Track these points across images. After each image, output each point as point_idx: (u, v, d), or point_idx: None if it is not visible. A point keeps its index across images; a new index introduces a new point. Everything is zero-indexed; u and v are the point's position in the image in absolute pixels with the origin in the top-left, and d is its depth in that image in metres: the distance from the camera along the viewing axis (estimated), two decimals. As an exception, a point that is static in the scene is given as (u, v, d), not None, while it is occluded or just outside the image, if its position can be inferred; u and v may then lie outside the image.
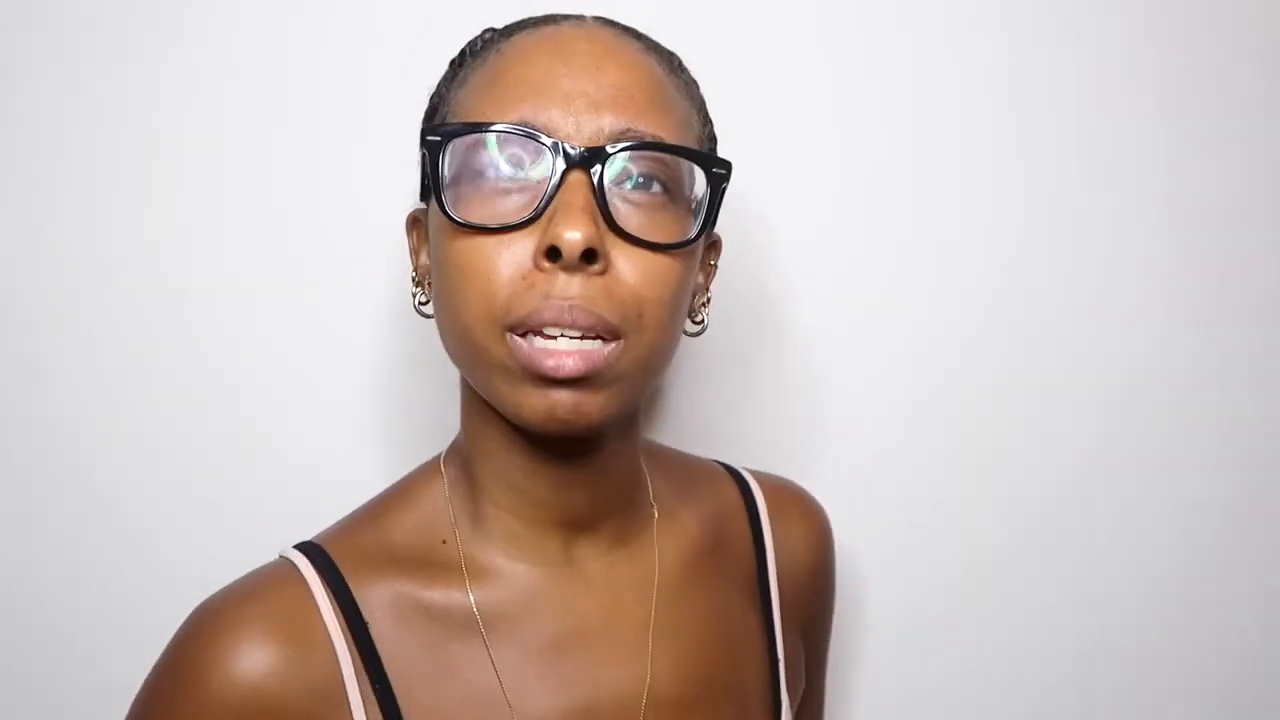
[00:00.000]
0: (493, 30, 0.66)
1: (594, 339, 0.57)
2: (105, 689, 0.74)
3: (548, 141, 0.56)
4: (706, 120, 0.66)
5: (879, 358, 0.94)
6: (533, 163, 0.58)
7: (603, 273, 0.57)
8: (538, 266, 0.56)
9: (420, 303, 0.66)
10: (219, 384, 0.85)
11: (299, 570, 0.62)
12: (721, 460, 0.79)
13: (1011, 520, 0.97)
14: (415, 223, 0.67)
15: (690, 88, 0.66)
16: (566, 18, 0.64)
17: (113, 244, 0.83)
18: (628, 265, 0.58)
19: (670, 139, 0.59)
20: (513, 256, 0.57)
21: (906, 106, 0.93)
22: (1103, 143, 0.96)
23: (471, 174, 0.58)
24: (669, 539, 0.69)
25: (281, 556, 0.64)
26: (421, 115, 0.68)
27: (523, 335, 0.57)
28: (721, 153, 0.66)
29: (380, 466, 0.85)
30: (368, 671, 0.60)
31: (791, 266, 0.92)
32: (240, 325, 0.85)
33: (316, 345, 0.86)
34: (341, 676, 0.60)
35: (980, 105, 0.94)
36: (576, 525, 0.65)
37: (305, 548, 0.64)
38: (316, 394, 0.86)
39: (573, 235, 0.55)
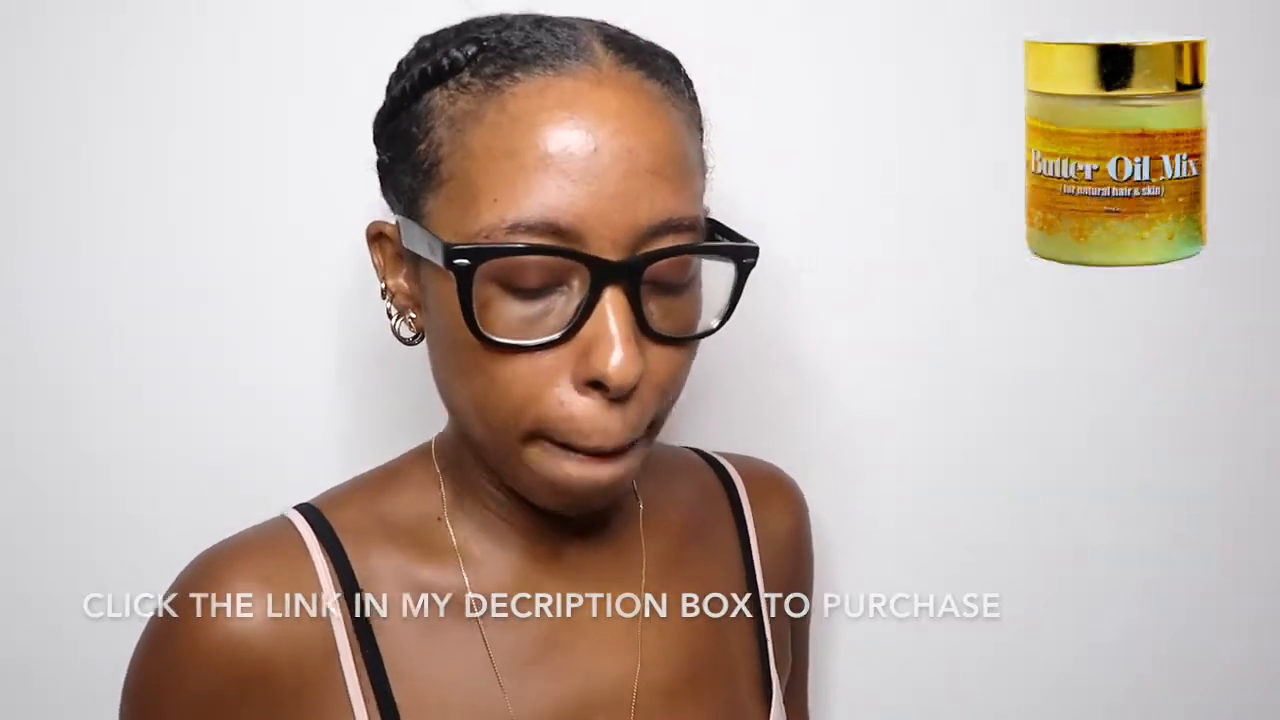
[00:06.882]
0: (480, 44, 0.56)
1: (628, 446, 0.56)
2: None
3: (585, 256, 0.52)
4: (701, 128, 0.61)
5: (877, 355, 0.94)
6: (566, 277, 0.53)
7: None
8: (578, 390, 0.54)
9: (406, 338, 0.62)
10: (214, 381, 0.86)
11: (298, 530, 0.62)
12: (694, 447, 0.79)
13: (1007, 516, 0.98)
14: (381, 237, 0.61)
15: (692, 105, 0.60)
16: (571, 42, 0.55)
17: (110, 241, 0.84)
18: (657, 362, 0.56)
19: (694, 210, 0.56)
20: (545, 376, 0.54)
21: (905, 104, 0.93)
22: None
23: (494, 285, 0.53)
24: (654, 529, 0.69)
25: (282, 515, 0.64)
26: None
27: (554, 444, 0.55)
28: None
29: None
30: (359, 636, 0.60)
31: (787, 266, 0.92)
32: (242, 320, 0.86)
33: (313, 341, 0.87)
34: (334, 638, 0.60)
35: (981, 105, 0.93)
36: (567, 524, 0.65)
37: (303, 509, 0.64)
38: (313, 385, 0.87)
39: (622, 375, 0.52)
